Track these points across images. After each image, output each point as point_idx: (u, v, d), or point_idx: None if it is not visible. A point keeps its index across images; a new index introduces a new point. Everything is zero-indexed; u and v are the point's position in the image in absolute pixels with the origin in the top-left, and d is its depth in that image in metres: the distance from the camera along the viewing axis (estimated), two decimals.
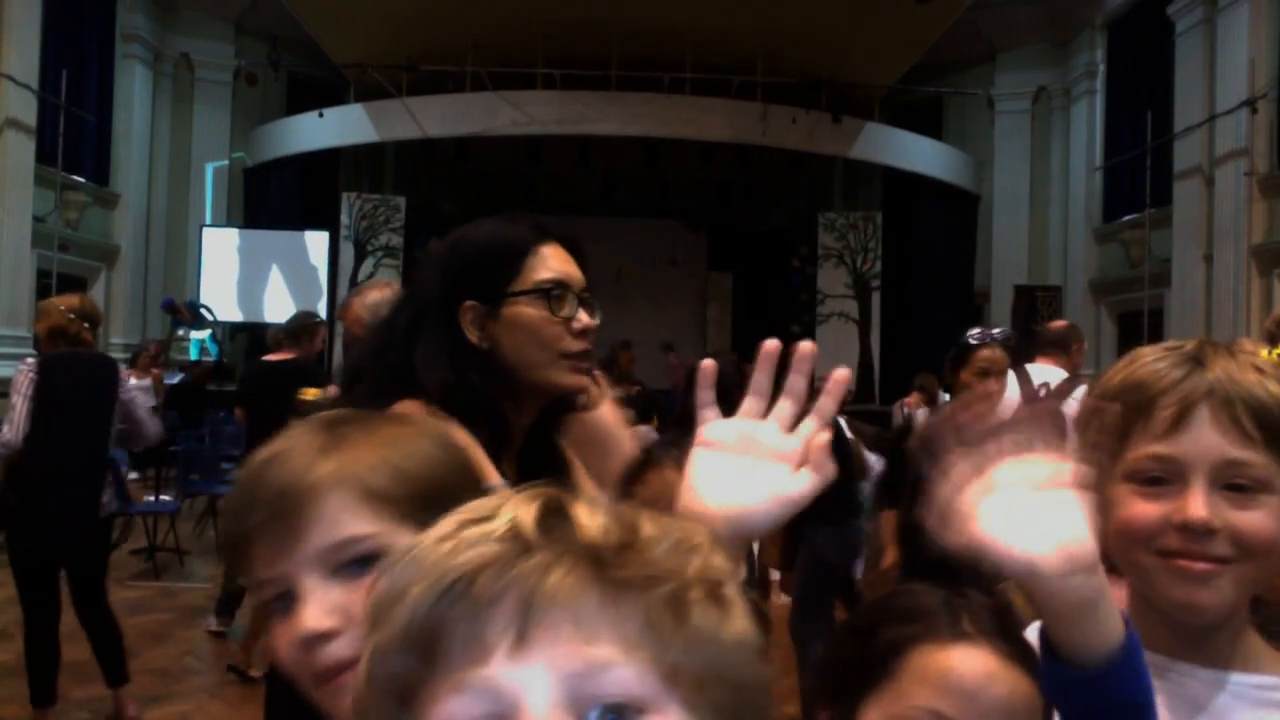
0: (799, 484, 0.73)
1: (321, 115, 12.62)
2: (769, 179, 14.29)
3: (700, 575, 0.45)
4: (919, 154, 13.24)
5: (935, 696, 0.78)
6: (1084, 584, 0.65)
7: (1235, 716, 0.80)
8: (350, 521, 0.68)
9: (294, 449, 0.70)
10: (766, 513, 0.73)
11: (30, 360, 3.75)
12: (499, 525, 0.45)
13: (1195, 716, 0.80)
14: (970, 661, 0.79)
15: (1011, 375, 3.99)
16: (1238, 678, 0.81)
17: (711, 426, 0.77)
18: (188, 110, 13.64)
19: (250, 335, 12.57)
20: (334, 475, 0.68)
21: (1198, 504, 0.78)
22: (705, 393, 0.77)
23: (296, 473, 0.68)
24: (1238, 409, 0.79)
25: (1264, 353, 2.13)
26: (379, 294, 2.87)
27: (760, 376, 0.76)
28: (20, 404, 3.55)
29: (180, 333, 12.08)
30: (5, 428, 3.57)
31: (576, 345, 1.25)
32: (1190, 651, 0.82)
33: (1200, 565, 0.78)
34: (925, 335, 13.01)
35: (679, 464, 1.06)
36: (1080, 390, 3.46)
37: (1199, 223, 10.24)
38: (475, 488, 0.71)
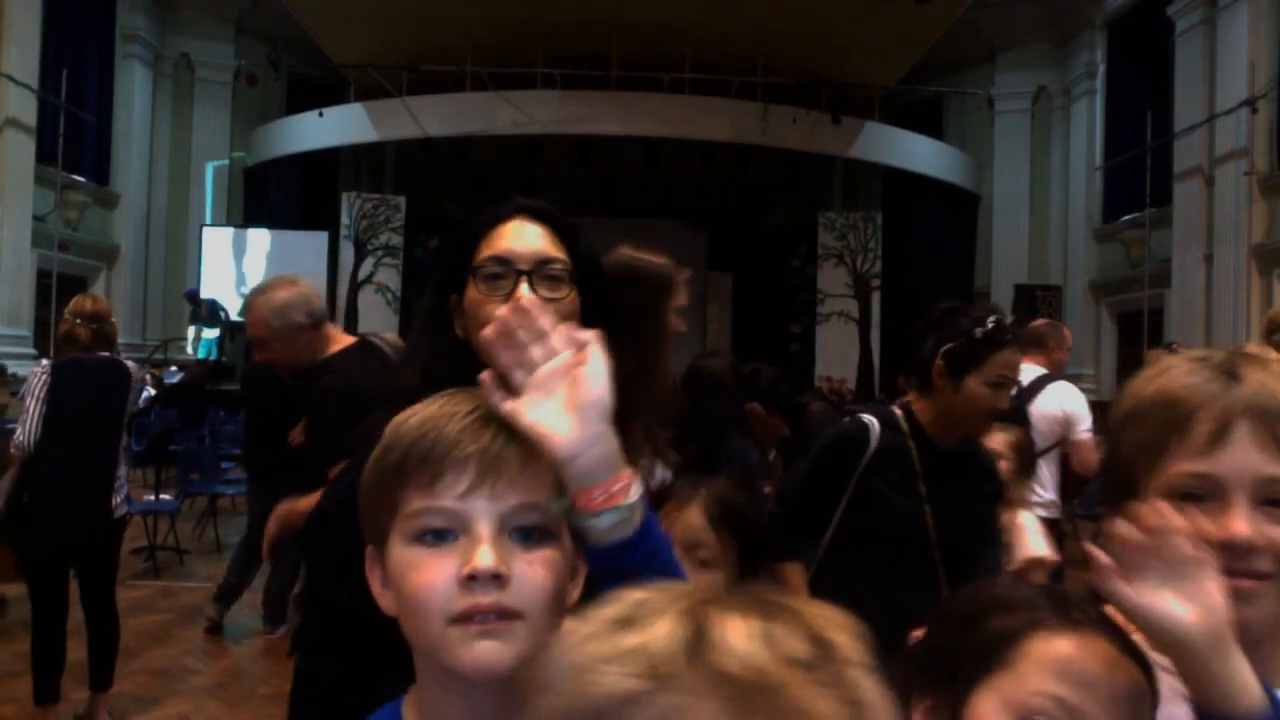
0: (590, 364, 0.77)
1: (321, 115, 12.62)
2: (769, 179, 14.28)
3: (843, 710, 0.45)
4: (919, 154, 13.24)
5: (1057, 683, 0.77)
6: (1219, 655, 0.71)
7: None
8: (544, 494, 0.75)
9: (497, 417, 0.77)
10: (598, 391, 0.76)
11: (45, 362, 3.79)
12: (643, 644, 0.46)
13: None
14: (1091, 648, 0.78)
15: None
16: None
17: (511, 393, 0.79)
18: (188, 110, 13.65)
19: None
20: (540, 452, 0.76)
21: (1240, 522, 0.77)
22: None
23: (517, 435, 0.75)
24: (1276, 424, 0.79)
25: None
26: (285, 294, 2.69)
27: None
28: (33, 406, 3.58)
29: (192, 329, 12.11)
30: (18, 429, 3.60)
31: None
32: None
33: (1244, 582, 0.78)
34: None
35: (704, 499, 1.10)
36: (1055, 385, 3.41)
37: (1199, 223, 10.24)
38: None
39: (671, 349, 2.01)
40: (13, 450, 3.64)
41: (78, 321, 3.70)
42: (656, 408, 1.97)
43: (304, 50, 12.74)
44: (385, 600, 0.77)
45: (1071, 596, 0.83)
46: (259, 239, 13.13)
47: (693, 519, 1.15)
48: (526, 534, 0.74)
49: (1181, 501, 0.80)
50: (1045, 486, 3.77)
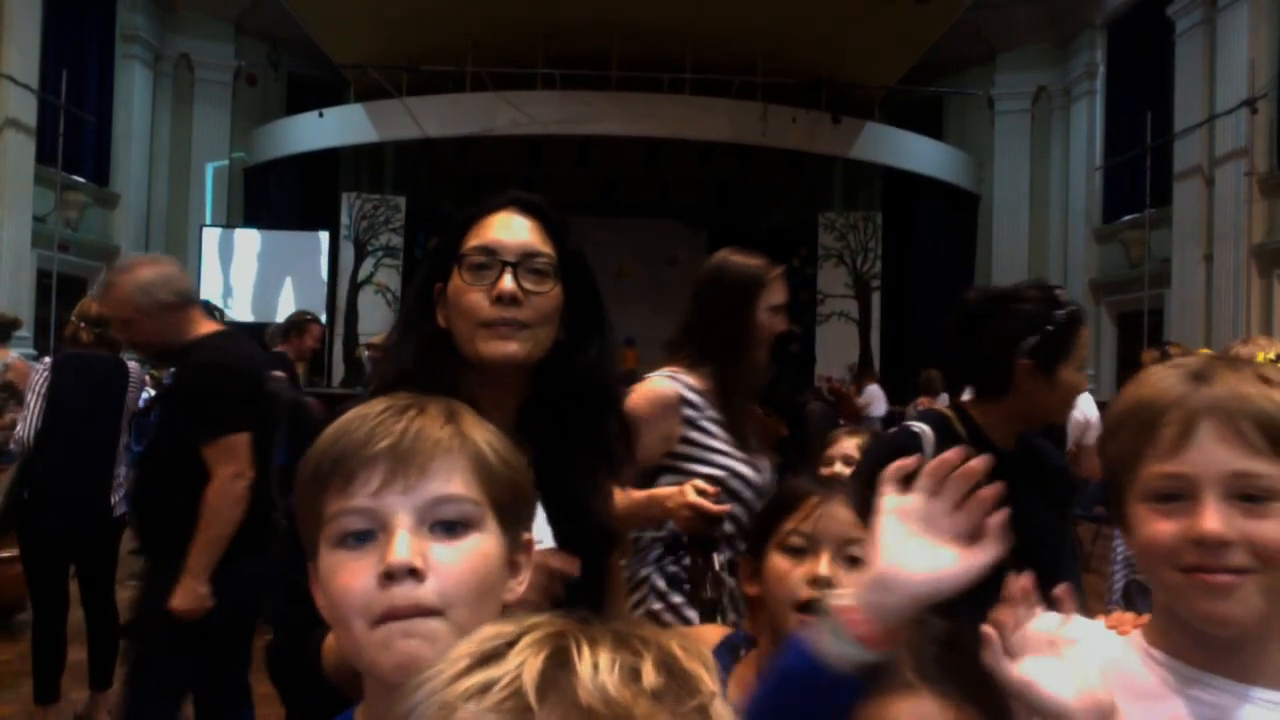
0: (978, 558, 0.82)
1: (321, 115, 12.62)
2: (769, 179, 14.29)
3: None
4: (919, 154, 13.24)
5: None
6: None
7: None
8: (461, 483, 0.74)
9: (424, 407, 0.77)
10: (955, 579, 0.81)
11: (46, 360, 3.79)
12: (504, 677, 0.47)
13: None
14: (913, 715, 0.86)
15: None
16: (1263, 693, 0.82)
17: (893, 498, 0.86)
18: (188, 110, 13.64)
19: (251, 335, 12.55)
20: (460, 440, 0.75)
21: (1210, 518, 0.79)
22: (893, 469, 0.87)
23: (430, 425, 0.75)
24: (1241, 421, 0.80)
25: (1261, 355, 2.11)
26: (151, 272, 2.62)
27: (938, 471, 0.85)
28: (34, 403, 3.59)
29: None
30: (19, 426, 3.62)
31: (492, 313, 1.17)
32: (1219, 664, 0.83)
33: (1220, 578, 0.79)
34: (925, 335, 13.01)
35: (845, 496, 1.11)
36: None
37: (1199, 223, 10.24)
38: (532, 504, 0.83)
39: (763, 347, 2.11)
40: (12, 446, 3.65)
41: (82, 325, 3.72)
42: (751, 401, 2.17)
43: (304, 50, 12.73)
44: (328, 613, 0.76)
45: (921, 645, 0.90)
46: (259, 239, 13.12)
47: (843, 513, 1.12)
48: (449, 527, 0.73)
49: (1160, 503, 0.83)
50: None
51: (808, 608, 1.06)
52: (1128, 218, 11.94)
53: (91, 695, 3.80)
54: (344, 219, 13.09)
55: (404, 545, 0.70)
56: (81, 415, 3.65)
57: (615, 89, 11.87)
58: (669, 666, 0.48)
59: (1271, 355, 2.05)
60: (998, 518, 0.82)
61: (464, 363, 1.20)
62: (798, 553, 1.12)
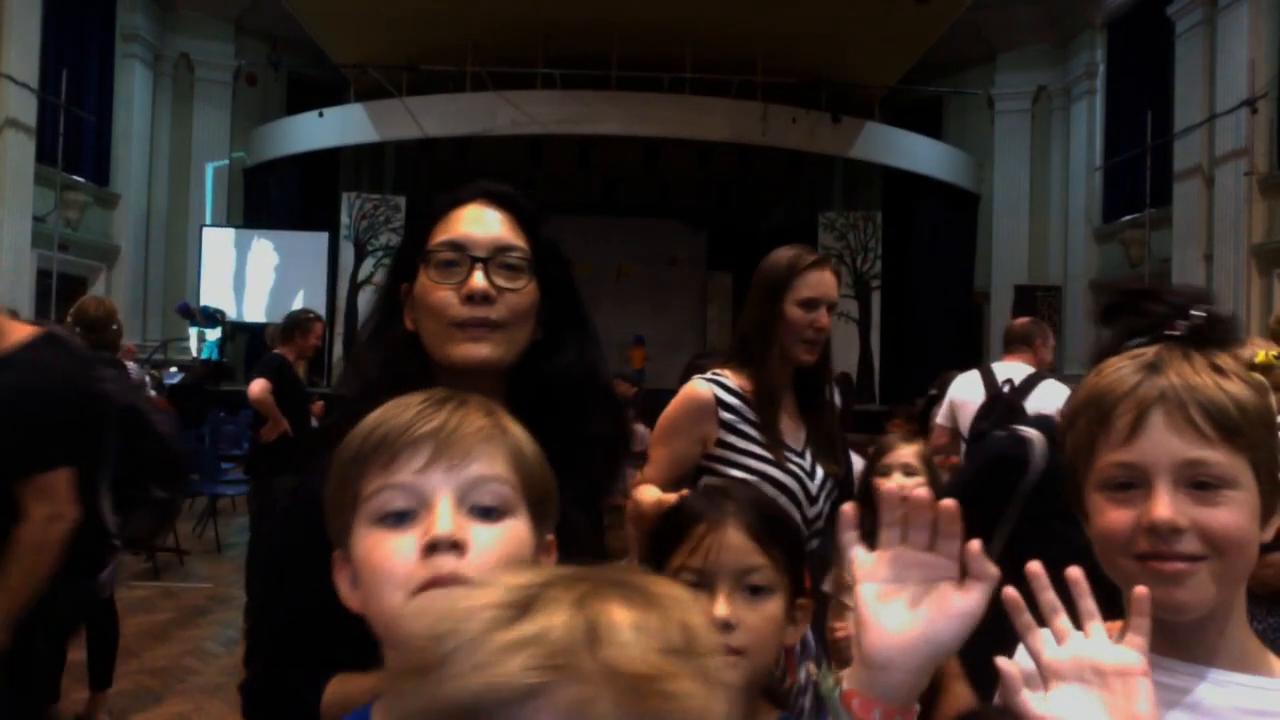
0: (970, 597, 0.73)
1: (321, 115, 12.62)
2: (769, 179, 14.28)
3: (720, 701, 0.48)
4: (919, 154, 13.24)
5: None
6: None
7: (1219, 713, 0.82)
8: (501, 469, 0.76)
9: (464, 400, 0.80)
10: (952, 629, 0.73)
11: None
12: (541, 633, 0.46)
13: (1173, 710, 0.82)
14: None
15: (976, 374, 3.99)
16: (1221, 675, 0.83)
17: (862, 560, 0.78)
18: (188, 110, 13.64)
19: (251, 335, 12.58)
20: (501, 430, 0.79)
21: (1161, 505, 0.81)
22: (848, 534, 0.80)
23: (474, 412, 0.78)
24: (1191, 410, 0.82)
25: (1262, 354, 2.10)
26: None
27: (890, 523, 0.77)
28: None
29: (194, 330, 12.13)
30: None
31: (462, 312, 1.10)
32: (1176, 649, 0.84)
33: (1172, 565, 0.81)
34: (925, 335, 13.02)
35: (740, 514, 1.05)
36: (1047, 384, 3.36)
37: (1199, 223, 10.24)
38: (555, 507, 0.83)
39: (800, 345, 2.03)
40: None
41: (76, 329, 3.72)
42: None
43: (304, 50, 12.73)
44: (354, 600, 0.76)
45: None
46: (259, 239, 13.13)
47: (734, 539, 1.02)
48: (486, 512, 0.75)
49: (1114, 492, 0.84)
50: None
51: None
52: (1128, 218, 11.94)
53: (91, 695, 3.80)
54: (344, 219, 13.09)
55: (448, 518, 0.72)
56: None
57: (615, 89, 11.87)
58: (680, 622, 0.49)
59: (1273, 354, 2.03)
60: (974, 546, 0.74)
61: (434, 367, 1.12)
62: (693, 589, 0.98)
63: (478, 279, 1.10)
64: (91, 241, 12.12)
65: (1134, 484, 0.83)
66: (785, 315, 2.01)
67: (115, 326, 3.79)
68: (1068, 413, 0.93)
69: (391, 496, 0.74)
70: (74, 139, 11.47)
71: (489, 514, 0.75)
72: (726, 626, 0.98)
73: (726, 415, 2.02)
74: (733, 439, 2.01)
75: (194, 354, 12.63)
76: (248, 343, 12.78)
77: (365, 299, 13.05)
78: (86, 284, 11.97)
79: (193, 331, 12.76)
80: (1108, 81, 12.75)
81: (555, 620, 0.47)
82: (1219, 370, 0.84)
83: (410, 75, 12.07)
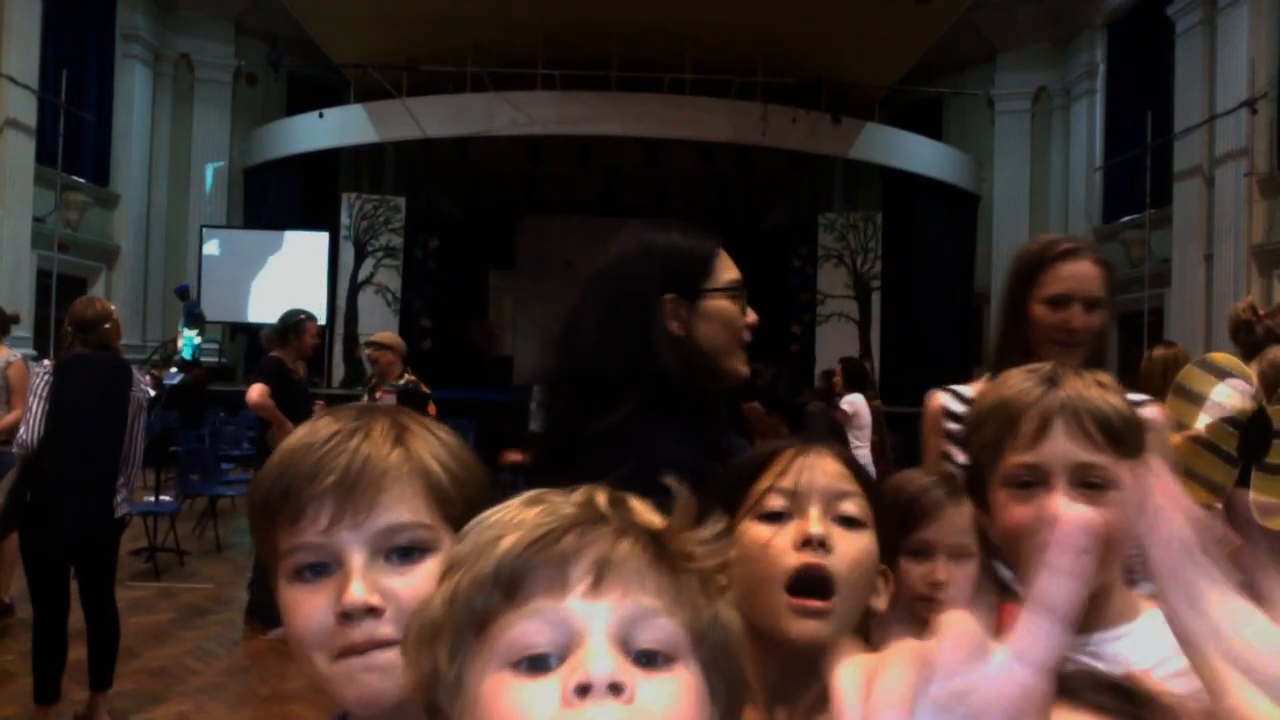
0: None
1: (321, 115, 12.62)
2: (769, 179, 14.28)
3: (718, 566, 0.58)
4: (919, 154, 13.24)
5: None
6: None
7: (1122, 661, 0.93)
8: (413, 509, 0.72)
9: (370, 429, 0.74)
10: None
11: (46, 362, 3.79)
12: (574, 500, 0.57)
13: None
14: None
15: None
16: (1101, 634, 0.98)
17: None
18: (188, 110, 13.64)
19: (250, 335, 12.57)
20: (409, 463, 0.73)
21: (1060, 501, 0.95)
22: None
23: (377, 450, 0.72)
24: (1085, 420, 0.97)
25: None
26: None
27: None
28: (36, 405, 3.59)
29: (180, 328, 12.08)
30: (21, 428, 3.62)
31: (749, 337, 1.46)
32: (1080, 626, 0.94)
33: None
34: (925, 335, 13.02)
35: (828, 447, 1.02)
36: None
37: (1199, 223, 10.24)
38: (486, 499, 0.76)
39: (1051, 348, 1.77)
40: (15, 449, 3.65)
41: (72, 331, 3.73)
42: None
43: (304, 50, 12.73)
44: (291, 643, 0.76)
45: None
46: (259, 239, 13.12)
47: (829, 463, 0.95)
48: (405, 553, 0.72)
49: (1018, 490, 0.99)
50: None
51: (800, 583, 0.88)
52: (1128, 218, 11.94)
53: (91, 696, 3.80)
54: (344, 219, 13.08)
55: (359, 587, 0.69)
56: (88, 416, 3.65)
57: (615, 89, 11.87)
58: (569, 507, 0.57)
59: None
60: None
61: (693, 366, 1.40)
62: (777, 517, 0.92)
63: (751, 313, 1.49)
64: (91, 242, 12.12)
65: (1035, 483, 0.98)
66: (1030, 315, 1.75)
67: (108, 325, 3.78)
68: (974, 417, 1.07)
69: (304, 555, 0.71)
70: (74, 139, 11.47)
71: (407, 554, 0.72)
72: (821, 545, 0.88)
73: (950, 425, 1.78)
74: (953, 450, 1.75)
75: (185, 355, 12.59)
76: (247, 343, 12.78)
77: (366, 299, 13.05)
78: (86, 284, 11.97)
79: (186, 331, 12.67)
80: (1108, 81, 12.75)
81: (579, 495, 0.57)
82: (1103, 385, 1.00)
83: (410, 75, 12.07)
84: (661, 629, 0.56)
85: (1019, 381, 1.03)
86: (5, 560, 4.93)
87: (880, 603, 0.95)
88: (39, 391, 3.62)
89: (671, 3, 10.59)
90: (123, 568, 4.06)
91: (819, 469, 0.93)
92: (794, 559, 0.87)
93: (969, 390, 1.81)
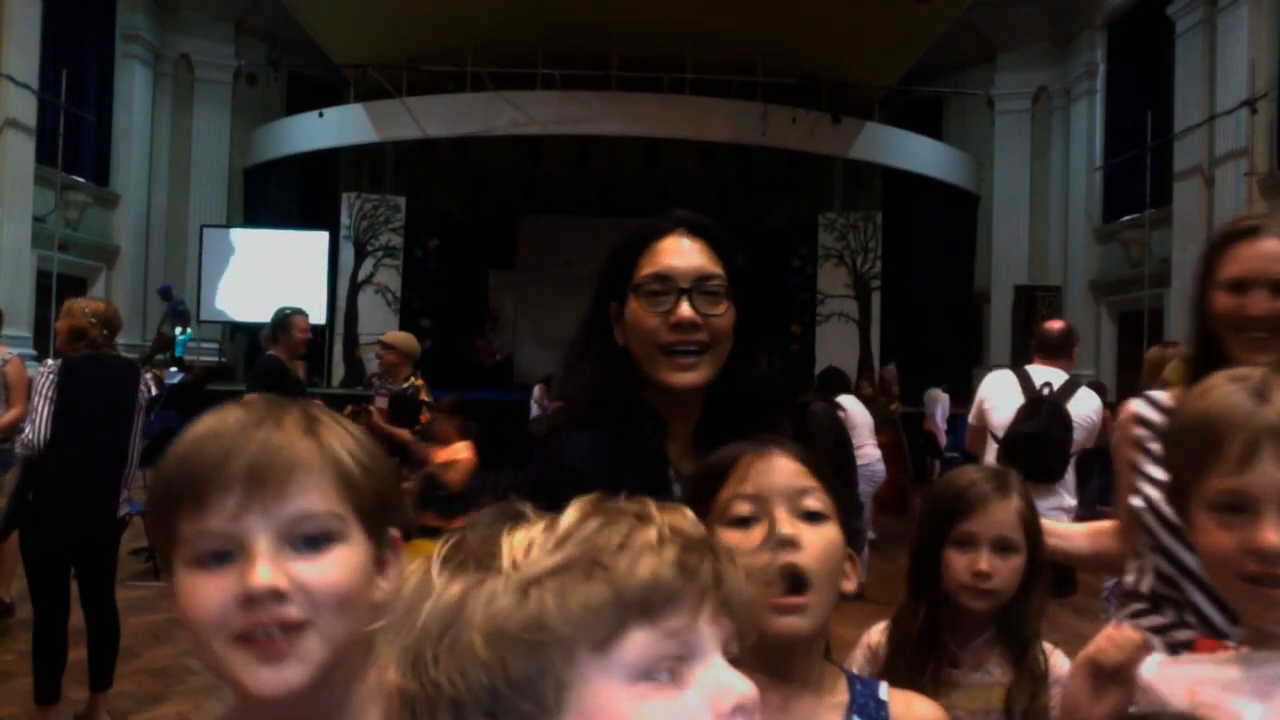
0: None
1: (321, 115, 12.61)
2: (769, 179, 14.28)
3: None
4: (919, 154, 13.24)
5: None
6: None
7: None
8: (322, 498, 0.72)
9: (280, 418, 0.74)
10: None
11: (50, 362, 3.78)
12: (658, 529, 0.58)
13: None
14: None
15: (1010, 375, 3.98)
16: None
17: None
18: (188, 110, 13.64)
19: (250, 335, 12.56)
20: (319, 452, 0.73)
21: (1270, 533, 0.88)
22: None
23: (288, 439, 0.72)
24: None
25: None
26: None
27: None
28: (41, 405, 3.58)
29: (165, 327, 12.04)
30: (27, 427, 3.61)
31: (671, 337, 1.23)
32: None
33: (1278, 592, 0.89)
34: (925, 335, 13.02)
35: (781, 446, 1.01)
36: (1082, 389, 3.32)
37: (1199, 223, 10.23)
38: (398, 500, 0.81)
39: (1233, 340, 1.59)
40: (19, 449, 3.65)
41: (92, 320, 3.72)
42: None
43: (304, 50, 12.73)
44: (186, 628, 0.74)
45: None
46: (259, 239, 13.12)
47: (783, 462, 0.98)
48: (312, 541, 0.71)
49: (1220, 514, 0.92)
50: (1070, 492, 3.70)
51: (788, 581, 0.92)
52: (1128, 218, 11.94)
53: (91, 696, 3.80)
54: (344, 219, 13.08)
55: (265, 570, 0.68)
56: (95, 416, 3.65)
57: (615, 89, 11.86)
58: (677, 529, 0.58)
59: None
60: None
61: (643, 379, 1.27)
62: (746, 522, 0.95)
63: (684, 308, 1.23)
64: (91, 242, 12.12)
65: (1242, 508, 0.90)
66: (1214, 303, 1.53)
67: (93, 320, 3.77)
68: (1174, 430, 0.99)
69: (205, 542, 0.70)
70: (74, 139, 11.46)
71: (314, 543, 0.71)
72: (791, 544, 0.92)
73: (1140, 432, 1.57)
74: (1140, 460, 1.56)
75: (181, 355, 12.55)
76: (247, 343, 12.77)
77: (366, 299, 13.05)
78: (86, 284, 11.97)
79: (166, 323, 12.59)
80: (1108, 81, 12.75)
81: (650, 519, 0.58)
82: None
83: (410, 75, 12.07)
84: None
85: (1224, 393, 0.93)
86: (5, 560, 4.93)
87: (849, 585, 0.98)
88: (44, 391, 3.61)
89: (671, 3, 10.58)
90: (123, 568, 4.06)
91: (777, 469, 0.97)
92: (764, 558, 0.90)
93: (1166, 398, 1.61)
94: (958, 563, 1.39)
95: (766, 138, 11.87)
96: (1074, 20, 13.12)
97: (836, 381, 7.11)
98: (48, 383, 3.62)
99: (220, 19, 13.72)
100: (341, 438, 0.75)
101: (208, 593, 0.69)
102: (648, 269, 1.26)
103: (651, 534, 0.57)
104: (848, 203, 14.61)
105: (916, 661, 1.39)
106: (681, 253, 1.27)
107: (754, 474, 0.97)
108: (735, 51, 11.54)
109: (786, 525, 0.93)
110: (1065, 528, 1.86)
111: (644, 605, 0.56)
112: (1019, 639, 1.39)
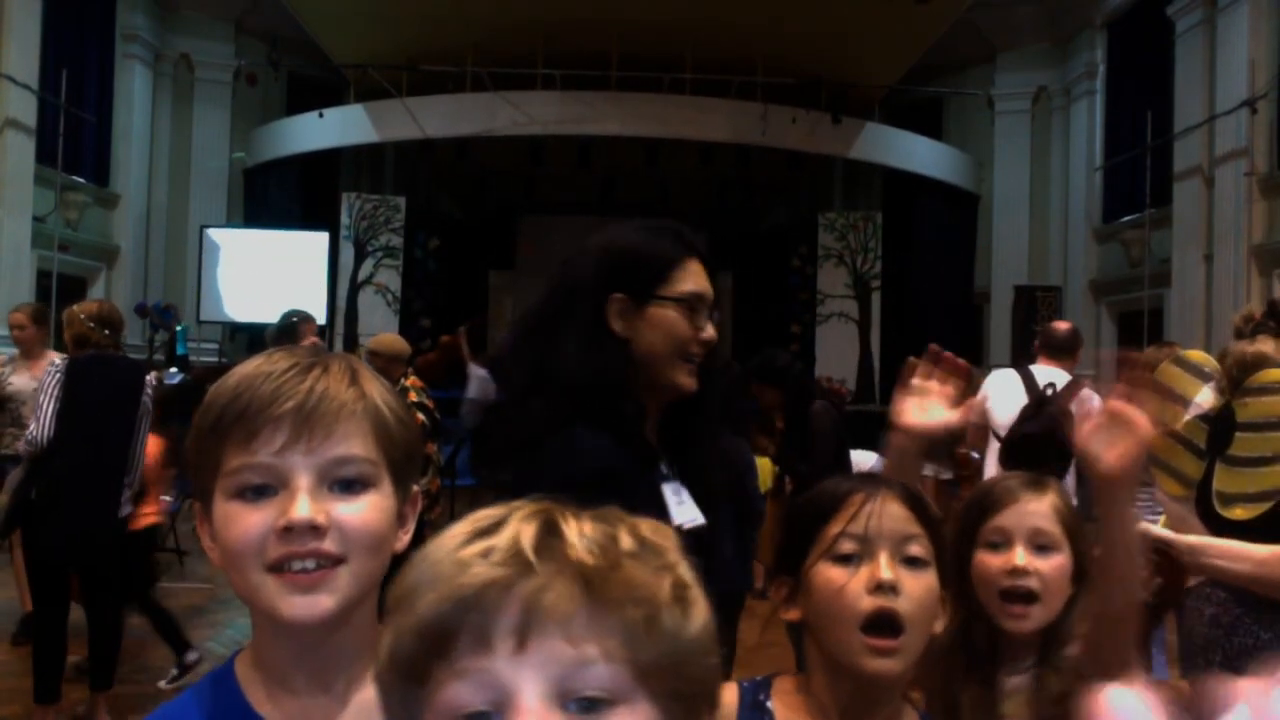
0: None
1: (321, 115, 12.61)
2: (769, 179, 14.28)
3: (670, 586, 0.54)
4: (919, 154, 13.23)
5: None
6: None
7: None
8: (362, 444, 0.76)
9: (328, 365, 0.78)
10: None
11: (57, 361, 3.78)
12: (503, 542, 0.53)
13: None
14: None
15: (1014, 374, 3.98)
16: None
17: None
18: (188, 110, 13.63)
19: (250, 336, 12.56)
20: (362, 401, 0.77)
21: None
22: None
23: (335, 386, 0.76)
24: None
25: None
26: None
27: None
28: (47, 404, 3.58)
29: (157, 335, 12.01)
30: (32, 426, 3.61)
31: (698, 351, 1.44)
32: None
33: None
34: (925, 335, 12.98)
35: (893, 490, 1.07)
36: (1084, 393, 3.36)
37: (1199, 223, 10.23)
38: (420, 460, 0.87)
39: None
40: (24, 447, 3.64)
41: (90, 324, 3.72)
42: None
43: (304, 50, 12.72)
44: (214, 555, 0.78)
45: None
46: (259, 239, 13.12)
47: (896, 509, 1.01)
48: (348, 485, 0.76)
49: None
50: (1071, 493, 3.70)
51: (874, 624, 0.96)
52: (1128, 218, 11.94)
53: (91, 696, 3.80)
54: (344, 219, 13.08)
55: (305, 504, 0.73)
56: (101, 416, 3.65)
57: (615, 89, 11.86)
58: (639, 536, 0.56)
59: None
60: None
61: (632, 370, 1.41)
62: (848, 559, 0.99)
63: (712, 329, 1.46)
64: (91, 242, 12.11)
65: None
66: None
67: (92, 324, 3.77)
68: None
69: (250, 475, 0.74)
70: (74, 139, 11.46)
71: (350, 487, 0.76)
72: (892, 590, 0.97)
73: None
74: None
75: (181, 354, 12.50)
76: (247, 343, 12.77)
77: (366, 299, 13.05)
78: (86, 284, 11.96)
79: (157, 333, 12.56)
80: (1108, 81, 12.74)
81: (515, 531, 0.54)
82: None
83: (410, 75, 12.07)
84: (598, 675, 0.53)
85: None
86: (22, 573, 4.92)
87: (938, 626, 1.03)
88: (49, 389, 3.61)
89: (671, 3, 10.58)
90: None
91: (887, 514, 1.01)
92: (867, 602, 0.97)
93: None
94: (991, 564, 1.28)
95: (766, 138, 11.87)
96: (1074, 20, 13.11)
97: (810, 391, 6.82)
98: (53, 382, 3.62)
99: (220, 19, 13.72)
100: (380, 391, 0.80)
101: (249, 523, 0.74)
102: (688, 285, 1.44)
103: (464, 554, 0.54)
104: (848, 203, 14.61)
105: (950, 694, 1.29)
106: (705, 277, 1.47)
107: (864, 514, 1.01)
108: (735, 51, 11.54)
109: (888, 570, 0.98)
110: (1235, 545, 1.69)
111: (428, 640, 0.53)
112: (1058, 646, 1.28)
